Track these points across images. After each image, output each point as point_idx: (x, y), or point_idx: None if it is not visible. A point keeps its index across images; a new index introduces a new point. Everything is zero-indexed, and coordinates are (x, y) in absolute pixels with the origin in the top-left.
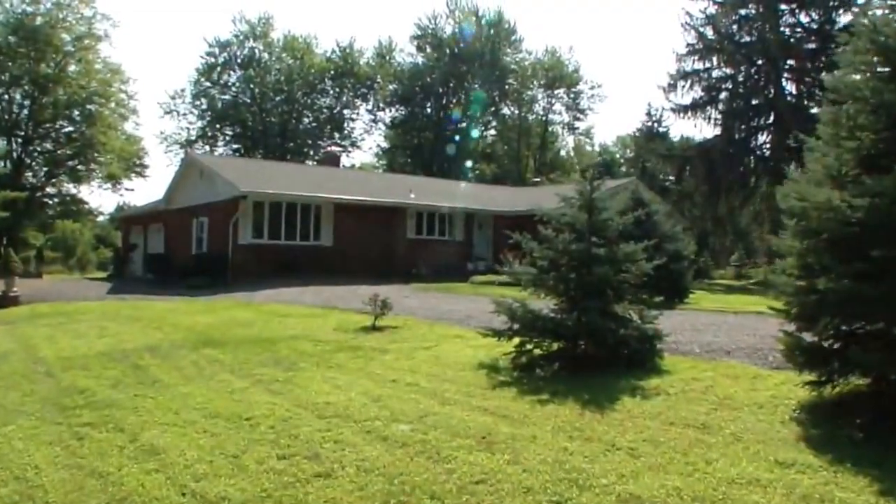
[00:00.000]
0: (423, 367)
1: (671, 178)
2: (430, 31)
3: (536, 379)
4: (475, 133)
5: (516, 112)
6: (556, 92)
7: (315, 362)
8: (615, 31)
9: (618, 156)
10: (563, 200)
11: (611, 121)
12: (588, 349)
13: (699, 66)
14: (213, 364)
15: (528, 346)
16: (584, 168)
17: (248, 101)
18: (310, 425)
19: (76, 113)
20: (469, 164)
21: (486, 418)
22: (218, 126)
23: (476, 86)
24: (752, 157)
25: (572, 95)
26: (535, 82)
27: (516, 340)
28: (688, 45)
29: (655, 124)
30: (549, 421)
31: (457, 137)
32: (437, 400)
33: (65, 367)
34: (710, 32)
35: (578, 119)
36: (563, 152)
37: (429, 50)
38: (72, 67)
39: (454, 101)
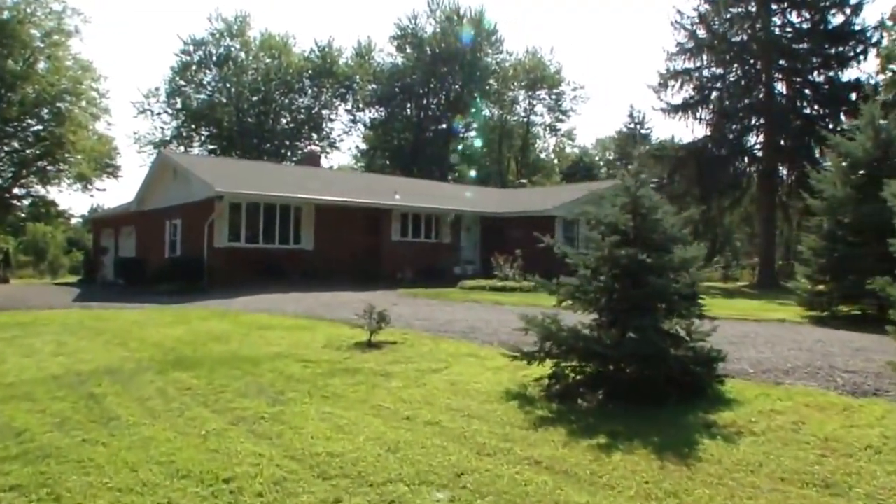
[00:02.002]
0: (440, 398)
1: (655, 179)
2: (410, 31)
3: (581, 413)
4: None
5: (497, 113)
6: (537, 93)
7: (307, 391)
8: (594, 34)
9: (597, 158)
10: (601, 198)
11: (589, 124)
12: (634, 373)
13: (690, 64)
14: (183, 393)
15: (565, 371)
16: (628, 160)
17: (225, 100)
18: (311, 491)
19: (45, 111)
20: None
21: (544, 477)
22: (193, 126)
23: (457, 86)
24: (744, 158)
25: (554, 97)
26: (516, 83)
27: (548, 364)
28: (678, 43)
29: (638, 126)
30: (626, 480)
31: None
32: (469, 447)
33: (5, 397)
34: (701, 31)
35: (560, 120)
36: (543, 154)
37: (409, 50)
38: (41, 64)
39: (434, 101)
